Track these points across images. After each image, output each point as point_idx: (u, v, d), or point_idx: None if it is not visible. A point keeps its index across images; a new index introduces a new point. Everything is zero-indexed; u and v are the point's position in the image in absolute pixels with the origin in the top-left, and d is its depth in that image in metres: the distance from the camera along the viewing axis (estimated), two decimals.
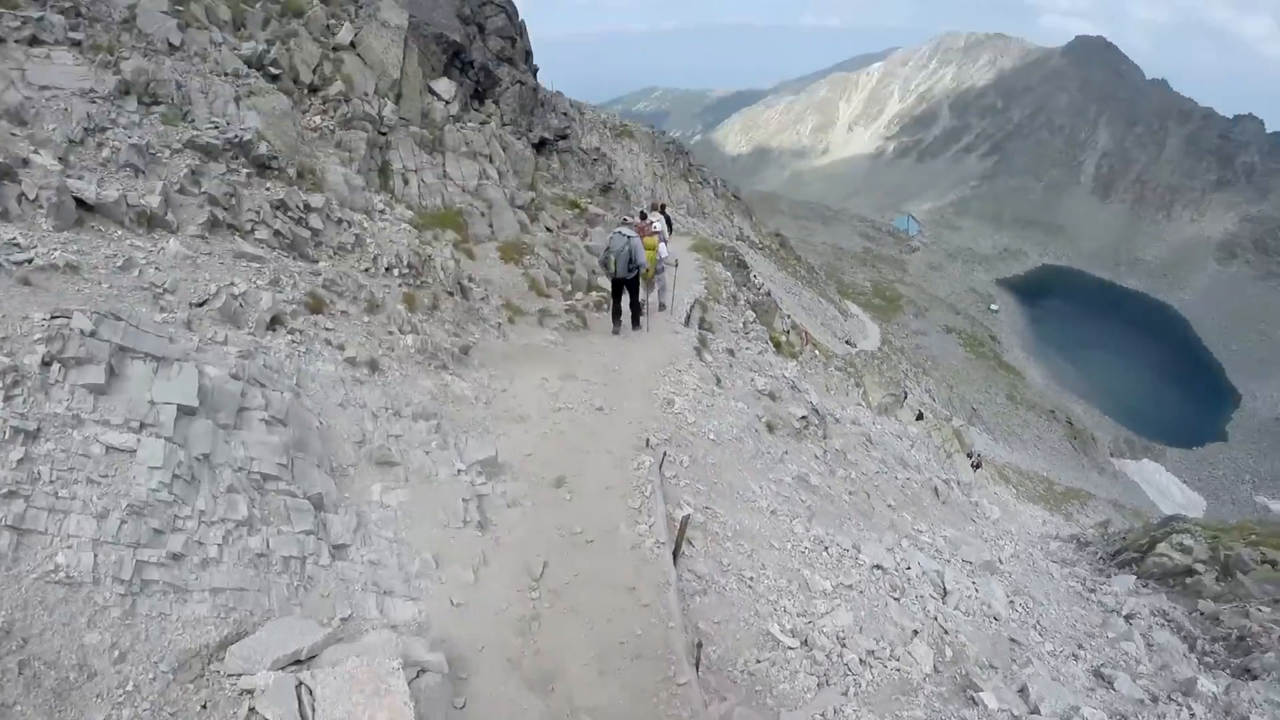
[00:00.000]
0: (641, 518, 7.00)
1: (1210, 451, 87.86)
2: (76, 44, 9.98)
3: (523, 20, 26.40)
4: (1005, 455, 57.21)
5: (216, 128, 9.89)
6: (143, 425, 4.67)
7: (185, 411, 4.96)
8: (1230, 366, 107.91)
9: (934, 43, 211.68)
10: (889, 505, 12.92)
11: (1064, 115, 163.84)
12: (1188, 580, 13.69)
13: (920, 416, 32.67)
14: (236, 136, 9.86)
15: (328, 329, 8.17)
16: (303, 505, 5.31)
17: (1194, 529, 15.50)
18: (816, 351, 31.17)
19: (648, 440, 8.67)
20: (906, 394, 38.74)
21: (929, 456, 22.27)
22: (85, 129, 8.10)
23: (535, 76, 27.30)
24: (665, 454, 8.56)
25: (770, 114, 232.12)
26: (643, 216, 15.43)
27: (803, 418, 13.51)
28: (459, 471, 7.07)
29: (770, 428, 12.19)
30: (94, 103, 8.61)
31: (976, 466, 32.59)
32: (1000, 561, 12.75)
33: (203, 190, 8.64)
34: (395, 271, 10.99)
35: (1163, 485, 76.98)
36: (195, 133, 9.37)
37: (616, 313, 13.58)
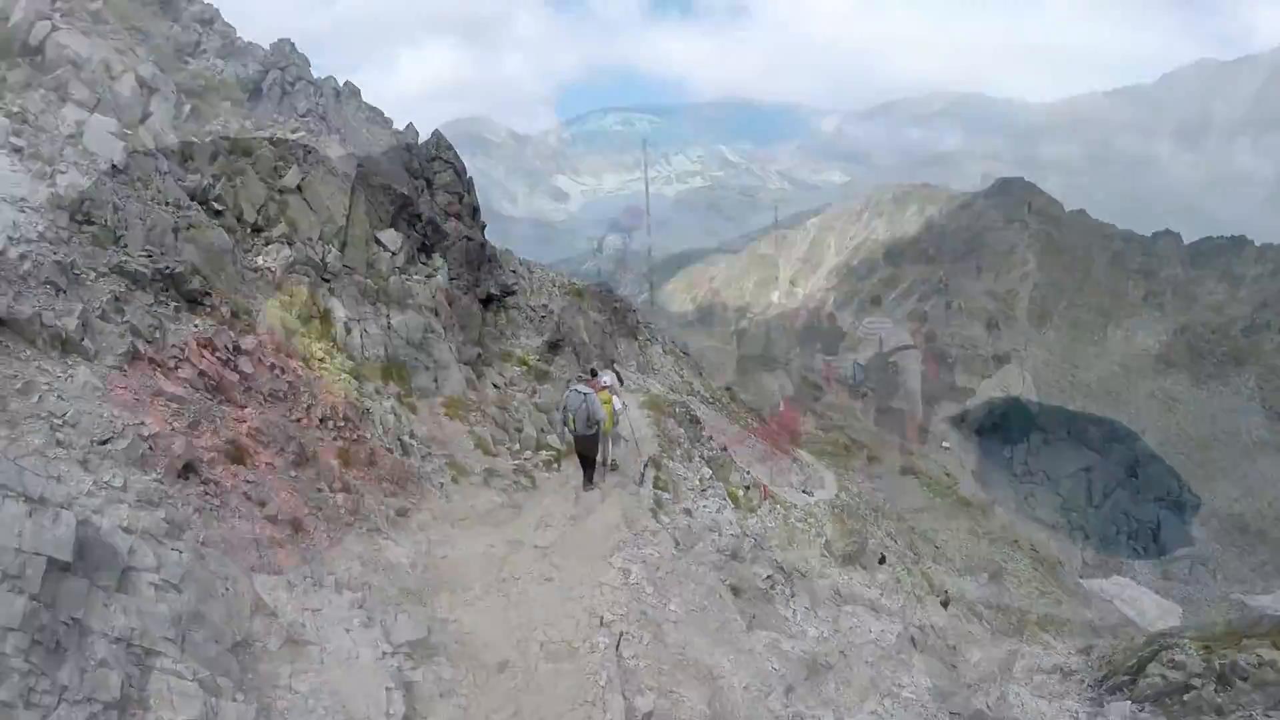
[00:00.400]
0: (596, 713, 6.10)
1: (1178, 557, 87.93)
2: (17, 150, 9.72)
3: (470, 177, 27.16)
4: (974, 591, 56.16)
5: (149, 256, 9.47)
6: (5, 577, 3.99)
7: (58, 566, 4.25)
8: (1185, 471, 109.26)
9: (865, 197, 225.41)
10: (866, 662, 12.05)
11: (993, 254, 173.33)
12: (1185, 698, 13.13)
13: (883, 560, 31.90)
14: (169, 267, 9.44)
15: (248, 481, 7.44)
16: (189, 688, 4.45)
17: (1183, 643, 14.84)
18: (776, 504, 30.54)
19: (602, 619, 7.85)
20: (868, 540, 38.04)
21: (900, 601, 21.39)
22: (9, 238, 7.62)
23: (483, 233, 27.80)
24: (622, 633, 7.73)
25: (714, 272, 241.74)
26: (593, 374, 15.35)
27: (768, 577, 12.86)
28: (384, 654, 6.17)
29: (735, 591, 11.37)
30: (23, 212, 8.22)
31: (945, 605, 31.65)
32: (988, 709, 11.90)
33: (125, 319, 8.10)
34: (330, 424, 10.34)
35: (1135, 599, 76.12)
36: (125, 258, 8.96)
37: (583, 466, 13.07)
